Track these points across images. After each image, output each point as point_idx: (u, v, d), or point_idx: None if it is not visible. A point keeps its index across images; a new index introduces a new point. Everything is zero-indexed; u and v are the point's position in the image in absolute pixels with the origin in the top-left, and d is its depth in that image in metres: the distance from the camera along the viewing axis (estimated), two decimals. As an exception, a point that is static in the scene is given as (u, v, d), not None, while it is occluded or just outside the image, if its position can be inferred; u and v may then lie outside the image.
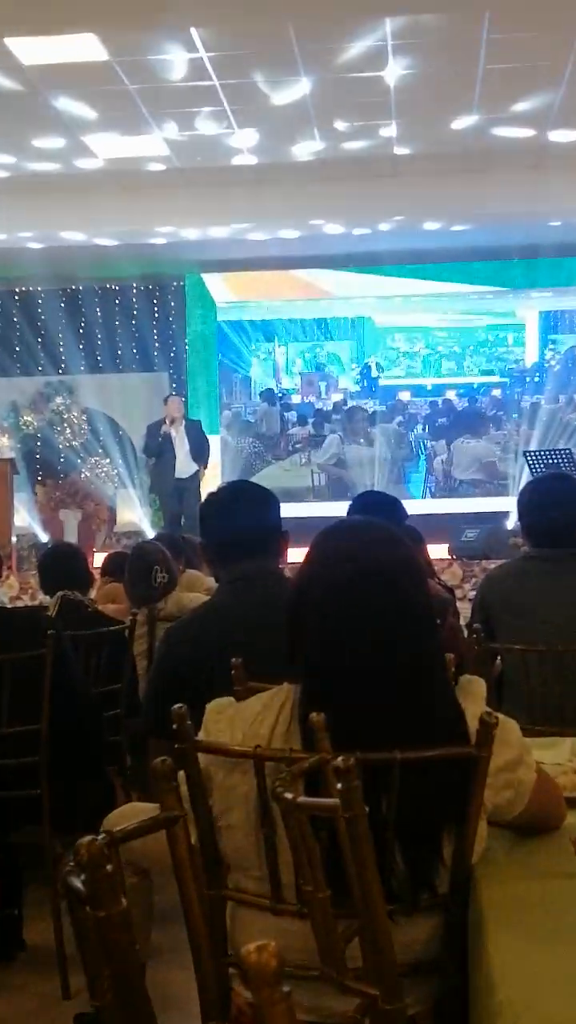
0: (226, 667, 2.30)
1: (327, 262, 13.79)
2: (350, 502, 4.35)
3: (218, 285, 14.22)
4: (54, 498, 13.79)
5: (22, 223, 11.99)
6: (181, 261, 13.70)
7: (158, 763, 1.65)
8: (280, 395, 14.55)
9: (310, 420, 14.38)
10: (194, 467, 11.84)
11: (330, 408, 14.42)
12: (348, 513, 4.15)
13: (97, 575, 6.17)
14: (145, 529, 13.29)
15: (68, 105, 9.64)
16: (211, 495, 3.19)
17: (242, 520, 2.98)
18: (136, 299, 14.32)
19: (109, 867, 1.16)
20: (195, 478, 11.84)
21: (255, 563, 2.95)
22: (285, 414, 14.47)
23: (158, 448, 11.94)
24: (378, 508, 4.05)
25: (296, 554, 2.78)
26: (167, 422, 11.89)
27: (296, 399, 14.59)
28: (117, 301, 14.33)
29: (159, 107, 9.74)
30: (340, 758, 1.52)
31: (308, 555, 1.99)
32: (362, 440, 14.07)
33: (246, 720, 1.95)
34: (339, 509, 6.32)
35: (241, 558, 2.95)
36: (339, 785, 1.51)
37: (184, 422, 12.04)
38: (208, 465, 12.13)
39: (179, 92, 9.40)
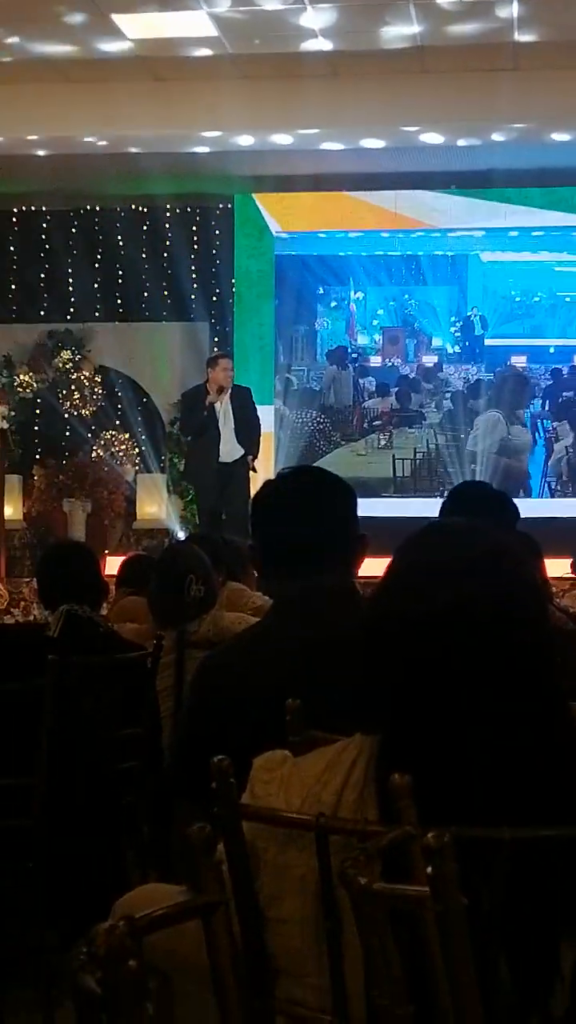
0: (279, 711, 2.31)
1: (422, 182, 13.76)
2: (443, 498, 4.35)
3: (277, 210, 14.22)
4: (56, 483, 13.87)
5: (25, 123, 12.07)
6: (230, 177, 13.73)
7: (195, 830, 1.66)
8: (354, 356, 14.54)
9: (393, 390, 14.35)
10: (240, 450, 11.79)
11: (417, 374, 14.38)
12: (442, 512, 4.14)
13: (112, 585, 6.22)
14: (172, 527, 13.35)
15: (89, -30, 9.73)
16: (267, 486, 3.16)
17: (306, 520, 2.97)
18: (170, 225, 14.36)
19: (133, 963, 1.17)
20: (241, 463, 11.76)
21: (321, 577, 2.94)
22: (360, 381, 14.46)
23: (201, 425, 11.89)
24: (482, 506, 4.03)
25: (372, 566, 2.78)
26: (213, 390, 11.83)
27: (375, 361, 14.56)
28: (145, 227, 14.39)
29: (207, -26, 9.81)
30: (431, 834, 1.52)
31: (389, 570, 1.99)
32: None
33: (305, 781, 1.95)
34: (429, 507, 6.33)
35: (303, 570, 2.94)
36: (429, 869, 1.52)
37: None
38: (259, 447, 12.03)
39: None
